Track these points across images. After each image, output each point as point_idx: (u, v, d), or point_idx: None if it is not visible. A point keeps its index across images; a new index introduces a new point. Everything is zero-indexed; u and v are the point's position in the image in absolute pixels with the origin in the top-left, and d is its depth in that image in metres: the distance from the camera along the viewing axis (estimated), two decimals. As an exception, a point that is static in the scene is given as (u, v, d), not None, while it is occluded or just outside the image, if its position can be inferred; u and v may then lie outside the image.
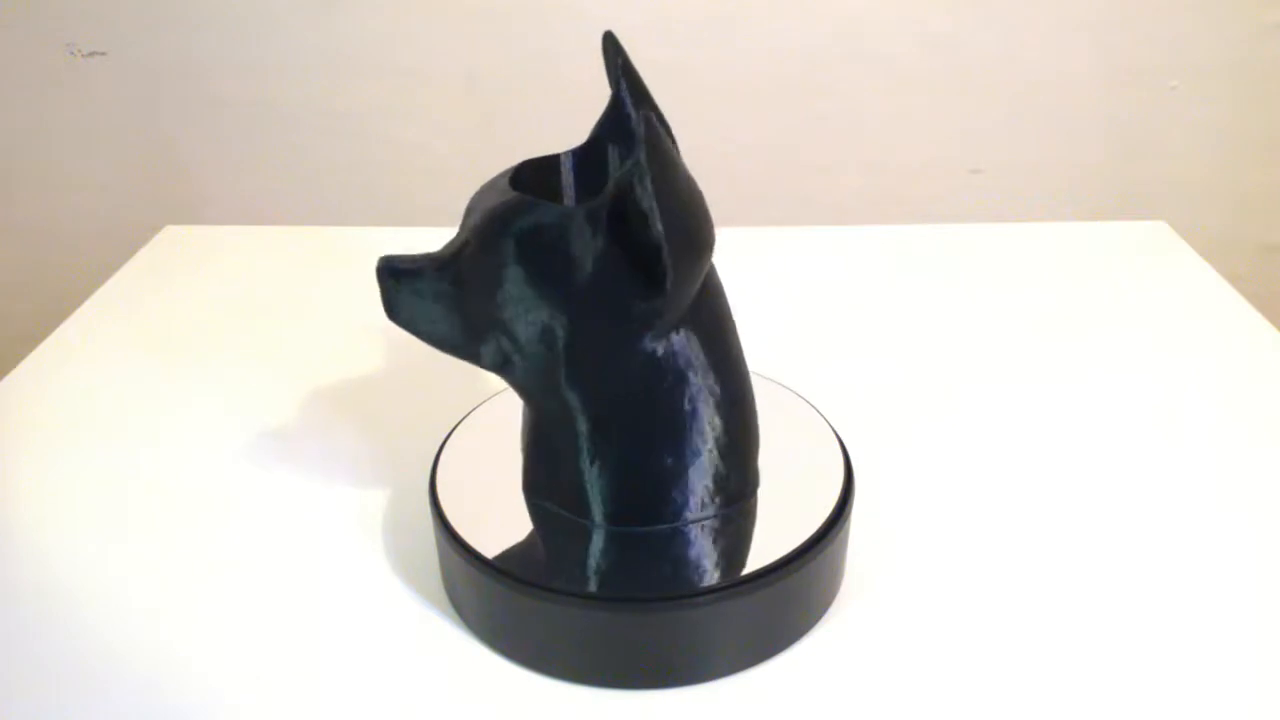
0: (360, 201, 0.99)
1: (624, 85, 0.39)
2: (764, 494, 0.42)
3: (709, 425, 0.38)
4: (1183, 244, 0.72)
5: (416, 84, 0.92)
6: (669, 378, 0.37)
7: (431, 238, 0.77)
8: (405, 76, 0.92)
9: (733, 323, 0.40)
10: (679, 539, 0.39)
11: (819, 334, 0.62)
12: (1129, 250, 0.72)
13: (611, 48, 0.39)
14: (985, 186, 0.97)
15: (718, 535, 0.40)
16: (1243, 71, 0.92)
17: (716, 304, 0.39)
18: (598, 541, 0.39)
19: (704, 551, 0.39)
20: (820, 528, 0.39)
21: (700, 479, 0.39)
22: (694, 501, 0.39)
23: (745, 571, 0.37)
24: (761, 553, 0.38)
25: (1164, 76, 0.92)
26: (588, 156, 0.41)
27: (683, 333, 0.37)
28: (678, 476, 0.39)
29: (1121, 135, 0.95)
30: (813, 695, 0.38)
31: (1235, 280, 0.67)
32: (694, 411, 0.38)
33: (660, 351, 0.37)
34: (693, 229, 0.35)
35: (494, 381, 0.52)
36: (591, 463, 0.39)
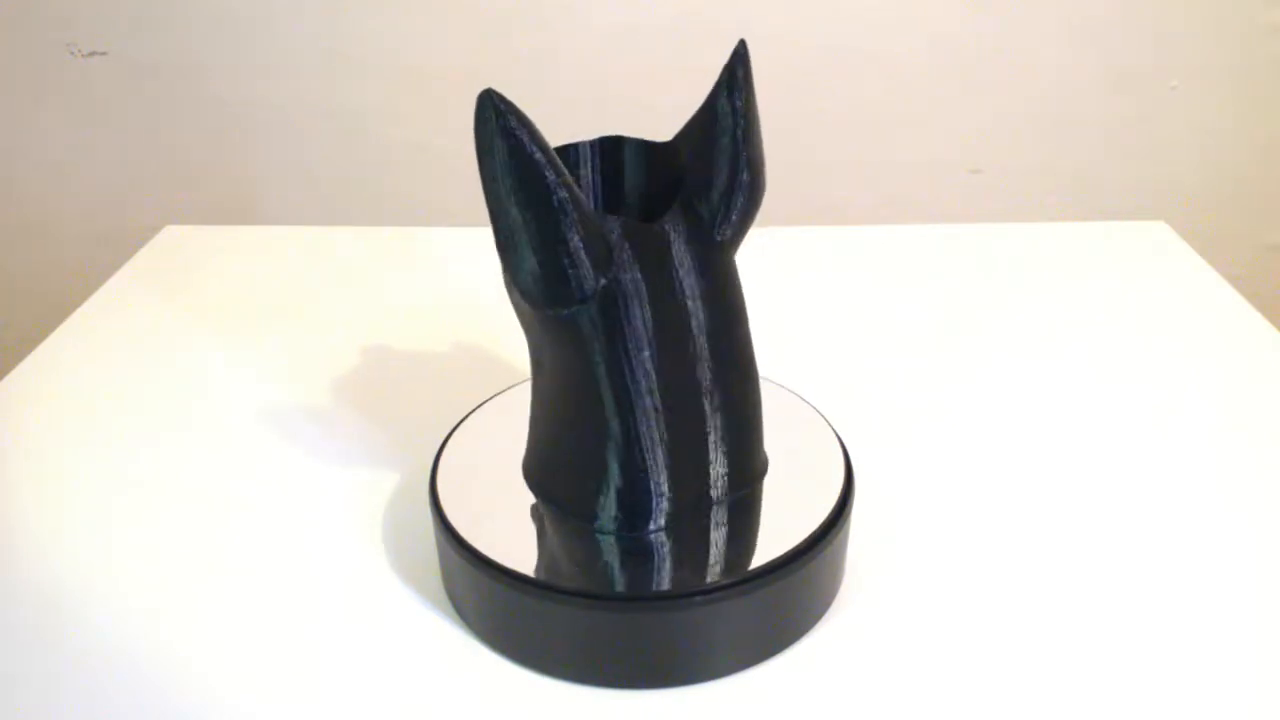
0: (360, 201, 0.99)
1: (738, 90, 0.38)
2: (764, 494, 0.42)
3: (620, 425, 0.38)
4: (1183, 244, 0.72)
5: (416, 84, 0.92)
6: (576, 357, 0.38)
7: (432, 237, 0.77)
8: (405, 76, 0.92)
9: (679, 328, 0.38)
10: (678, 538, 0.39)
11: (819, 334, 0.62)
12: (1129, 250, 0.72)
13: (741, 53, 0.38)
14: (985, 186, 0.97)
15: (718, 534, 0.40)
16: (1243, 71, 0.92)
17: (658, 310, 0.37)
18: (597, 541, 0.39)
19: (704, 551, 0.39)
20: (820, 528, 0.39)
21: (642, 481, 0.39)
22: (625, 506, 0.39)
23: (745, 571, 0.38)
24: (761, 552, 0.38)
25: (1164, 76, 0.92)
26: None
27: (591, 320, 0.37)
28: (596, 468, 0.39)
29: (1121, 135, 0.95)
30: (813, 695, 0.38)
31: (1235, 280, 0.67)
32: (602, 404, 0.38)
33: (563, 329, 0.38)
34: (499, 231, 0.36)
35: (494, 381, 0.52)
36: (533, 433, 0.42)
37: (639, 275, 0.37)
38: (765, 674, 0.39)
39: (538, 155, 0.34)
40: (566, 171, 0.35)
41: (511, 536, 0.40)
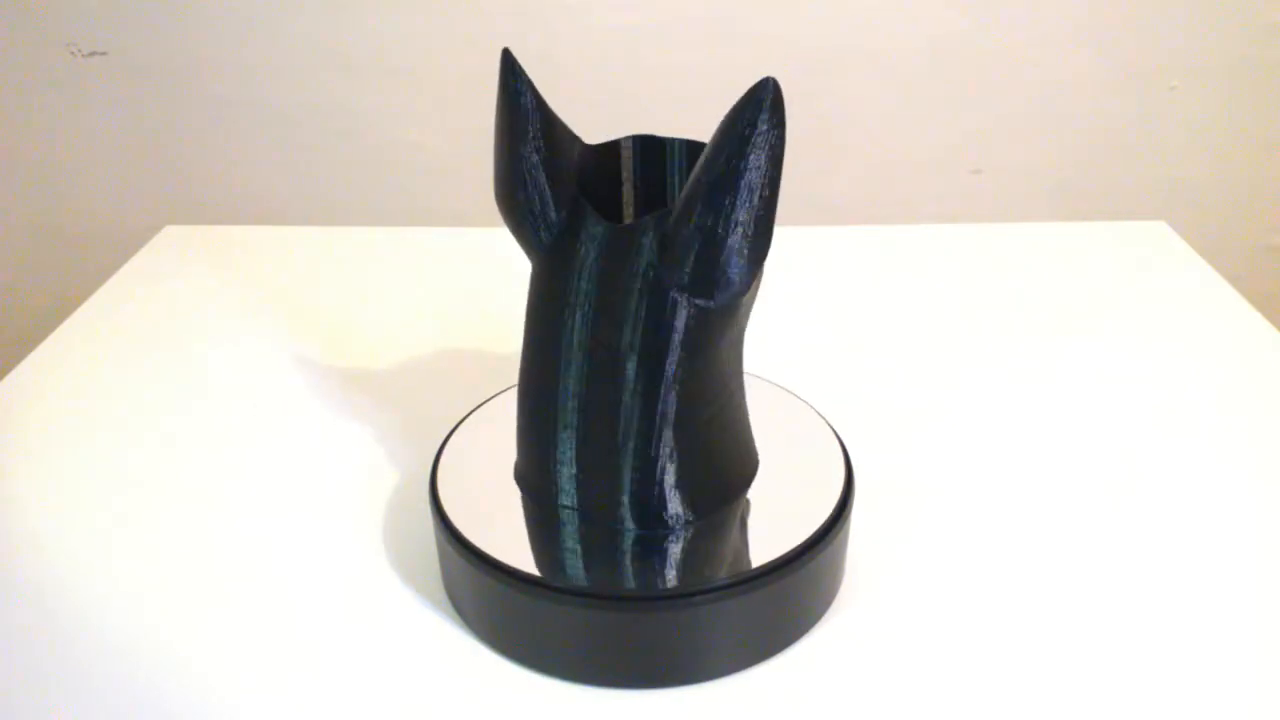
0: (360, 201, 0.99)
1: (766, 118, 0.33)
2: (764, 494, 0.42)
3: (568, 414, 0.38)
4: (1183, 244, 0.72)
5: (416, 84, 0.92)
6: (544, 303, 0.39)
7: (431, 237, 0.77)
8: (405, 76, 0.92)
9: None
10: (679, 539, 0.39)
11: (818, 334, 0.62)
12: (1129, 250, 0.72)
13: (762, 94, 0.34)
14: (985, 186, 0.97)
15: (718, 534, 0.40)
16: (1243, 71, 0.92)
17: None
18: (597, 541, 0.39)
19: (704, 551, 0.39)
20: (820, 528, 0.39)
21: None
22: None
23: (745, 571, 0.38)
24: (762, 553, 0.38)
25: (1164, 76, 0.92)
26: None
27: (536, 278, 0.39)
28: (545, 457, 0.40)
29: (1121, 135, 0.95)
30: (813, 695, 0.38)
31: (1235, 280, 0.67)
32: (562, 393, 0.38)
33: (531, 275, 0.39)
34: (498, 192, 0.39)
35: (494, 381, 0.52)
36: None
37: (578, 259, 0.37)
38: (765, 674, 0.39)
39: (520, 112, 0.37)
40: (546, 131, 0.37)
41: (511, 536, 0.40)
